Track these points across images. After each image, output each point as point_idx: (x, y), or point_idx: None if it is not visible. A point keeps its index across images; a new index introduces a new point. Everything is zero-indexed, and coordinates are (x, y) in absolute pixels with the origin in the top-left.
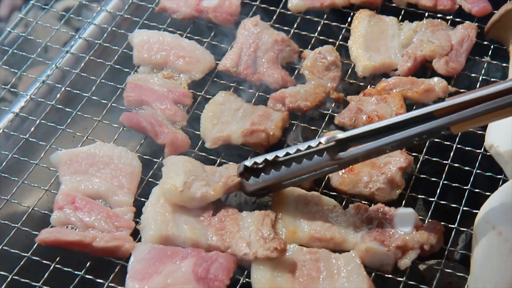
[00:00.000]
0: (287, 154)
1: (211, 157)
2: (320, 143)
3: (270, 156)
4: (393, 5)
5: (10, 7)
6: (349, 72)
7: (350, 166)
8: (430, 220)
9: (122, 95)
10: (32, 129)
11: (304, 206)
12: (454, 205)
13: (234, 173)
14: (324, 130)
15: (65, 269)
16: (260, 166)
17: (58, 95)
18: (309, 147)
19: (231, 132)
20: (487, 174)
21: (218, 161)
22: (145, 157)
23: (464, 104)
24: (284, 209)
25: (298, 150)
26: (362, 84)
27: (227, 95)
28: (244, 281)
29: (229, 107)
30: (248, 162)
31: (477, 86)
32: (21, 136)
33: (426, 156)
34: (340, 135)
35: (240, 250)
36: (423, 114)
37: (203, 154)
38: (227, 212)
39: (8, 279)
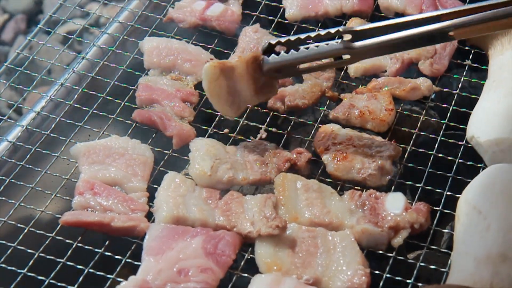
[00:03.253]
0: (308, 37)
1: None
2: (338, 30)
3: (292, 38)
4: (382, 14)
5: (14, 31)
6: (342, 73)
7: (345, 154)
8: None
9: (134, 95)
10: (53, 126)
11: (304, 192)
12: (439, 190)
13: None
14: (319, 125)
15: (86, 247)
16: (283, 44)
17: (76, 96)
18: (328, 32)
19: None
20: (468, 163)
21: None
22: (156, 149)
23: (469, 10)
24: (286, 196)
25: (318, 35)
26: (354, 84)
27: None
28: (249, 257)
29: None
30: (273, 40)
31: (459, 86)
32: (42, 132)
33: (413, 148)
34: (358, 27)
35: (244, 228)
36: (431, 16)
37: None
38: (232, 196)
39: (35, 256)
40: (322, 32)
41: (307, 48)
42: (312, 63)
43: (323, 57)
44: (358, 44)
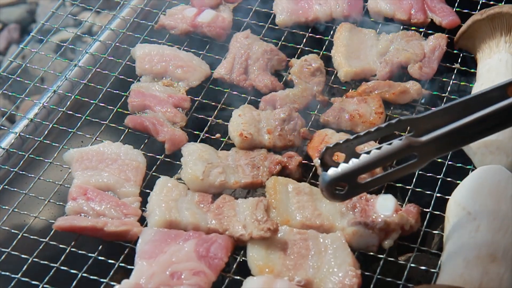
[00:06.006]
0: (368, 132)
1: None
2: (399, 119)
3: (351, 137)
4: (371, 19)
5: (7, 41)
6: (332, 78)
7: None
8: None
9: (126, 101)
10: (46, 132)
11: (295, 195)
12: (428, 192)
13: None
14: (311, 128)
15: (80, 252)
16: (342, 144)
17: (68, 103)
18: (389, 125)
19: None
20: (458, 165)
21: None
22: (148, 154)
23: None
24: (278, 199)
25: (379, 128)
26: (344, 88)
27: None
28: (241, 260)
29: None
30: (330, 144)
31: (448, 89)
32: (36, 139)
33: None
34: (417, 115)
35: (236, 231)
36: (495, 89)
37: None
38: (224, 199)
39: (29, 261)
40: (382, 126)
41: (368, 153)
42: (376, 174)
43: (388, 160)
44: (424, 139)
